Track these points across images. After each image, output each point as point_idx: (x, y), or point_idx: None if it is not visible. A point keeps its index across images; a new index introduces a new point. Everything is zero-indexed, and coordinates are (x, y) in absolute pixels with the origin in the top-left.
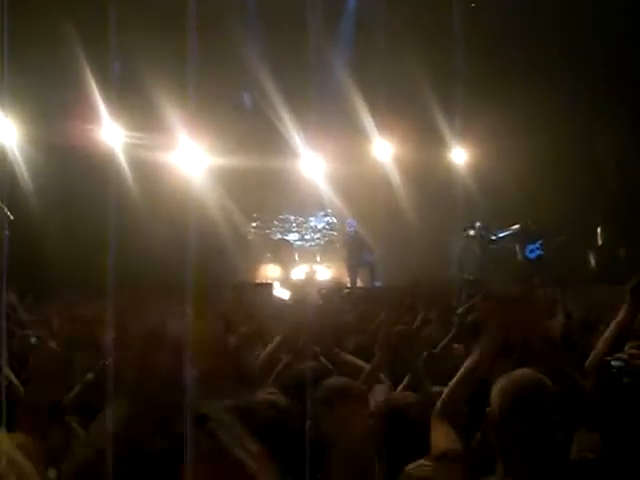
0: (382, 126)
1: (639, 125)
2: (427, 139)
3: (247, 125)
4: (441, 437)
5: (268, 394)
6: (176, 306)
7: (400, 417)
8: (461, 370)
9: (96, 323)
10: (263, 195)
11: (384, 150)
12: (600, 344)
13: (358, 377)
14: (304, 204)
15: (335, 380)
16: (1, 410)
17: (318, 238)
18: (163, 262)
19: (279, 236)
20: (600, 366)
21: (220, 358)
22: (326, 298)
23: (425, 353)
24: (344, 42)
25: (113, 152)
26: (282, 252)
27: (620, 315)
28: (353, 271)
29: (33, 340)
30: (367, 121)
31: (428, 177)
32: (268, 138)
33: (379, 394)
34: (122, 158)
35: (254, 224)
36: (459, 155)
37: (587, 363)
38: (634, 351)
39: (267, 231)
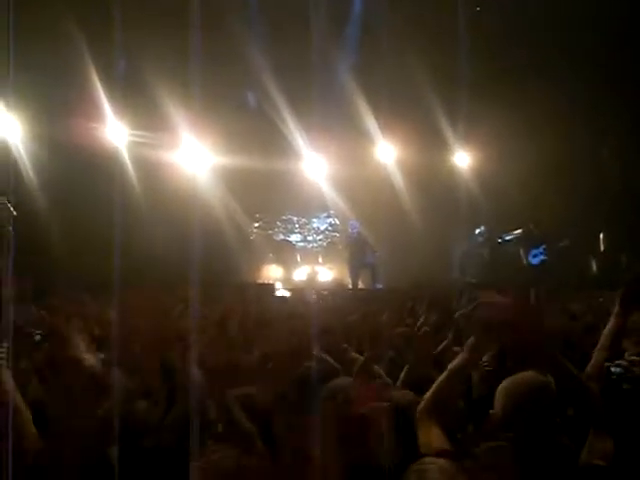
0: (385, 129)
1: None
2: (430, 142)
3: (251, 125)
4: (427, 435)
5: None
6: (179, 304)
7: (401, 415)
8: (447, 370)
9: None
10: (266, 196)
11: (387, 152)
12: (596, 353)
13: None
14: (307, 205)
15: (341, 380)
16: None
17: (320, 239)
18: (165, 261)
19: (282, 237)
20: (600, 372)
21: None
22: (328, 299)
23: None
24: (349, 45)
25: (117, 150)
26: (284, 253)
27: (612, 319)
28: (355, 273)
29: (37, 337)
30: (370, 123)
31: (431, 180)
32: (272, 139)
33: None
34: (126, 156)
35: (257, 224)
36: (462, 158)
37: (587, 369)
38: (634, 358)
39: (270, 232)
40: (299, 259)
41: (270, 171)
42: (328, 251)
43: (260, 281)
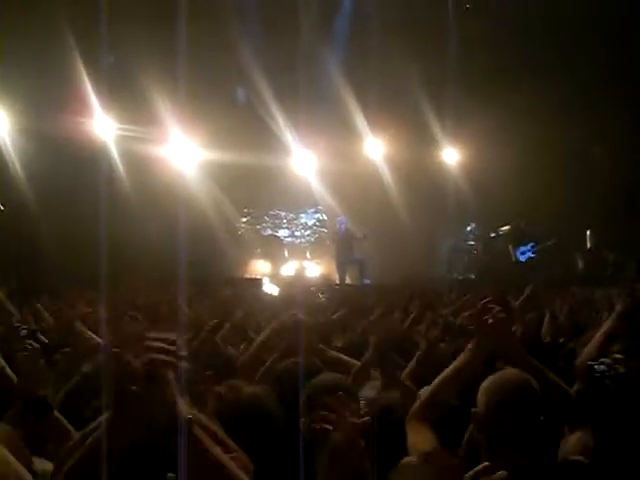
0: (374, 125)
1: (632, 126)
2: (419, 138)
3: (239, 121)
4: (418, 439)
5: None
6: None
7: (388, 416)
8: (444, 374)
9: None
10: (254, 191)
11: (376, 149)
12: (588, 349)
13: (345, 373)
14: (295, 201)
15: (325, 377)
16: None
17: (308, 235)
18: (154, 255)
19: (269, 232)
20: (585, 370)
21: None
22: (315, 294)
23: (417, 353)
24: (337, 41)
25: (105, 145)
26: (272, 248)
27: (608, 322)
28: (342, 268)
29: (23, 332)
30: (359, 119)
31: (419, 176)
32: (260, 134)
33: (369, 392)
34: (114, 151)
35: (245, 219)
36: (450, 155)
37: (576, 365)
38: (617, 356)
39: (258, 227)
40: (287, 254)
41: (258, 166)
42: (316, 246)
43: (248, 276)
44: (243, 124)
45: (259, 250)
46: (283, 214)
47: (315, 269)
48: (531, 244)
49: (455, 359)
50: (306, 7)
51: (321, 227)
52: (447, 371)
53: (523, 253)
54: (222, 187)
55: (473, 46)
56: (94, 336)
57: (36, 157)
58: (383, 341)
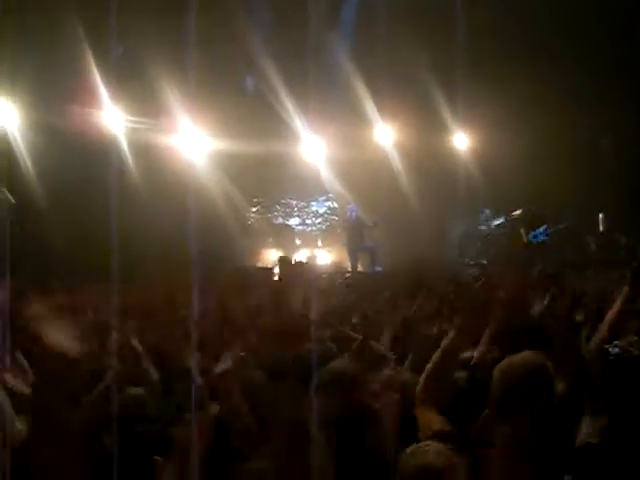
0: (384, 111)
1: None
2: (429, 124)
3: (249, 109)
4: (426, 418)
5: None
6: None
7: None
8: (438, 351)
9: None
10: (265, 180)
11: (386, 135)
12: (601, 330)
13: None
14: (306, 189)
15: (339, 363)
16: None
17: (319, 223)
18: (165, 246)
19: (280, 220)
20: (599, 352)
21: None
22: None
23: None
24: (346, 26)
25: (115, 136)
26: (283, 237)
27: (620, 300)
28: (354, 256)
29: None
30: (369, 106)
31: (430, 162)
32: (270, 122)
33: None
34: (124, 142)
35: (255, 208)
36: (461, 140)
37: (589, 347)
38: (633, 338)
39: (269, 215)
40: (298, 243)
41: (268, 155)
42: (327, 234)
43: (259, 265)
44: (252, 113)
45: (270, 239)
46: (294, 202)
47: (327, 257)
48: (544, 227)
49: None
50: None
51: (332, 215)
52: (440, 347)
53: (536, 236)
54: (232, 176)
55: (482, 33)
56: None
57: (46, 150)
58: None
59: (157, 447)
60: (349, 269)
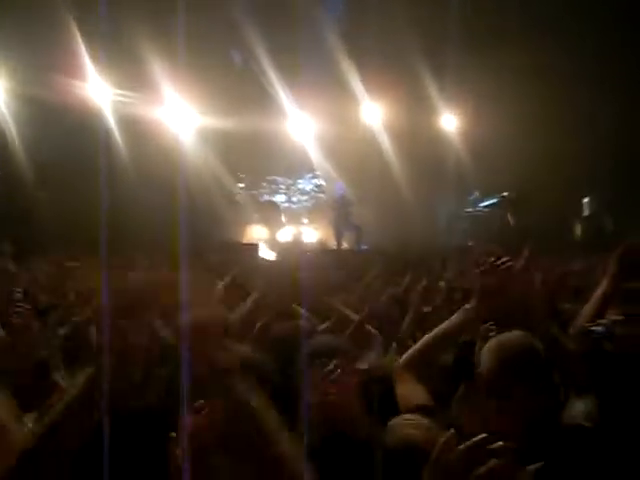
0: (372, 88)
1: (629, 92)
2: (418, 102)
3: (236, 85)
4: (406, 390)
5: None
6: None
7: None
8: (437, 329)
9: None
10: (251, 156)
11: (374, 113)
12: (584, 311)
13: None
14: (292, 166)
15: (320, 339)
16: None
17: (306, 200)
18: (150, 221)
19: (266, 197)
20: (582, 333)
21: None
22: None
23: (412, 315)
24: (334, 2)
25: (101, 109)
26: (269, 213)
27: (604, 283)
28: (339, 234)
29: (19, 295)
30: (357, 83)
31: (418, 141)
32: (257, 98)
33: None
34: (110, 115)
35: (241, 185)
36: (449, 120)
37: (571, 330)
38: (616, 317)
39: (254, 192)
40: (284, 220)
41: (255, 131)
42: (313, 212)
43: (244, 241)
44: (240, 88)
45: (256, 216)
46: (280, 179)
47: (313, 235)
48: (528, 209)
49: None
50: None
51: (319, 192)
52: (441, 327)
53: (520, 219)
54: (218, 152)
55: (474, 5)
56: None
57: (32, 122)
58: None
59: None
60: (334, 247)
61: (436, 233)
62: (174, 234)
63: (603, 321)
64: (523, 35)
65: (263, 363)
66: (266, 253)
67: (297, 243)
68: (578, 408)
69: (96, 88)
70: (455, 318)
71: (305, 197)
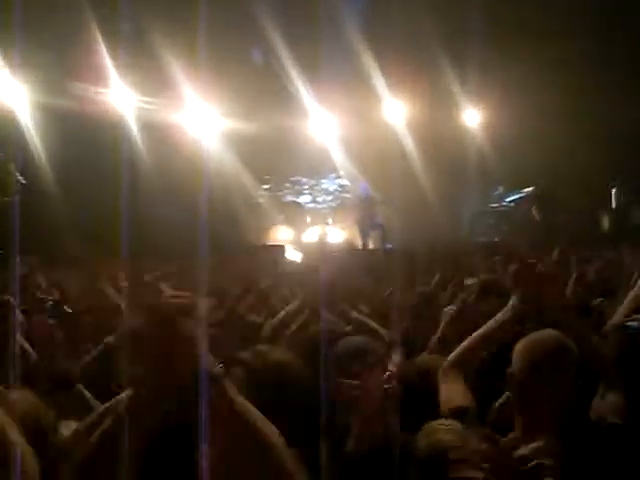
0: (394, 85)
1: None
2: (442, 99)
3: (258, 86)
4: (451, 389)
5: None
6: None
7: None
8: (484, 328)
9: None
10: (275, 157)
11: (396, 110)
12: (620, 310)
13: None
14: (316, 166)
15: (350, 340)
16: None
17: (330, 200)
18: (174, 224)
19: (290, 198)
20: (618, 328)
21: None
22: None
23: (449, 313)
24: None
25: (124, 115)
26: (294, 214)
27: (638, 286)
28: (365, 233)
29: (49, 304)
30: (378, 79)
31: (441, 137)
32: (279, 99)
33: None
34: (133, 121)
35: (265, 186)
36: (472, 116)
37: (606, 327)
38: None
39: (279, 193)
40: (309, 220)
41: (278, 132)
42: (338, 212)
43: (269, 243)
44: (262, 89)
45: (280, 217)
46: (304, 180)
47: (338, 235)
48: (556, 204)
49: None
50: None
51: (343, 192)
52: (488, 325)
53: (548, 214)
54: (242, 154)
55: (494, 2)
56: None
57: (55, 129)
58: None
59: None
60: (360, 247)
61: (461, 229)
62: (198, 238)
63: (638, 316)
64: (549, 24)
65: (296, 365)
66: (292, 254)
67: (323, 244)
68: (608, 405)
69: (118, 94)
70: (501, 316)
71: (330, 197)
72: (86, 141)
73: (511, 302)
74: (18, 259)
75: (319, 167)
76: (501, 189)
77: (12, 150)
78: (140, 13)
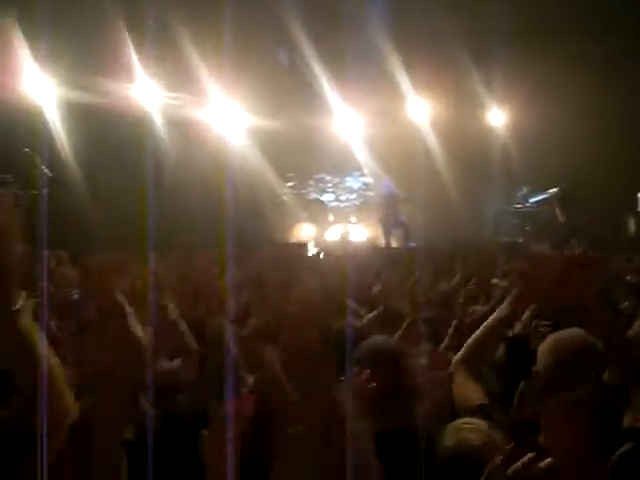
0: (418, 84)
1: None
2: (466, 99)
3: (283, 84)
4: (464, 388)
5: None
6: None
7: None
8: (485, 325)
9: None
10: (299, 155)
11: (421, 109)
12: None
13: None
14: (340, 164)
15: (377, 339)
16: None
17: (354, 198)
18: (199, 221)
19: (314, 196)
20: None
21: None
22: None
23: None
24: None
25: (150, 112)
26: (317, 212)
27: None
28: (387, 231)
29: (76, 296)
30: (403, 78)
31: (465, 137)
32: (304, 97)
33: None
34: (159, 118)
35: (289, 184)
36: (497, 116)
37: (635, 327)
38: None
39: (302, 191)
40: (332, 218)
41: (303, 130)
42: (361, 210)
43: (293, 241)
44: (287, 87)
45: (304, 215)
46: (328, 178)
47: (361, 233)
48: (579, 206)
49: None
50: None
51: (367, 190)
52: (489, 321)
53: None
54: (266, 151)
55: (521, 2)
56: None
57: (82, 124)
58: None
59: (195, 420)
60: (383, 245)
61: (484, 229)
62: (222, 235)
63: None
64: (575, 22)
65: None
66: (315, 252)
67: (345, 242)
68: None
69: (144, 89)
70: (499, 313)
71: (353, 195)
72: (111, 136)
73: (508, 299)
74: (46, 252)
75: (343, 165)
76: (525, 190)
77: (39, 144)
78: (166, 9)
